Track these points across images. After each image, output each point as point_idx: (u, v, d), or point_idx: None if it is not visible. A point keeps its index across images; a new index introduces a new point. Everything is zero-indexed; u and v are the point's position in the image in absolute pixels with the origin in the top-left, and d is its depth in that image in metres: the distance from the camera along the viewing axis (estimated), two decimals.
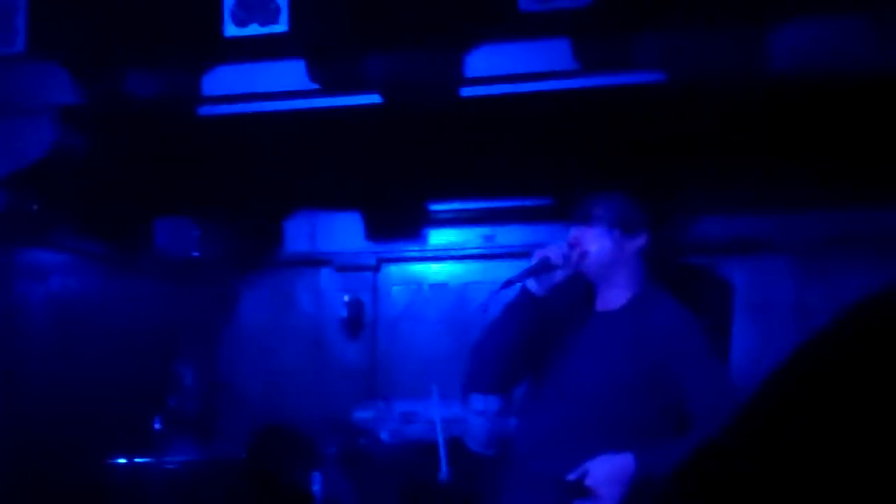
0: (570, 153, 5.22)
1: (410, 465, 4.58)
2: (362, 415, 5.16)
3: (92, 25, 4.93)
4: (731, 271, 4.56)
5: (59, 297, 5.67)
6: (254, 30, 4.80)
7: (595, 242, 3.52)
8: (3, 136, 5.21)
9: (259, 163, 5.63)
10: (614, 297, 3.57)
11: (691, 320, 3.46)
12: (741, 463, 1.07)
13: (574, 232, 3.54)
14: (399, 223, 6.21)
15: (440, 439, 3.91)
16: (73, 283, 5.80)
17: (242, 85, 5.12)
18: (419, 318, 6.21)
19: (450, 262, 6.23)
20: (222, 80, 5.13)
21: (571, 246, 3.51)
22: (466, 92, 4.92)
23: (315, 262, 6.40)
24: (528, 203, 5.92)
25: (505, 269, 4.52)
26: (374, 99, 5.04)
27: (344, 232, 6.32)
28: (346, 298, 6.25)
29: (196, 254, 6.22)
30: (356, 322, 6.25)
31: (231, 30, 4.82)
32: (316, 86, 5.03)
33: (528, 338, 3.51)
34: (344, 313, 6.25)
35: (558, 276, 3.47)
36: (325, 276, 6.39)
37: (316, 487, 4.82)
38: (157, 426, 5.78)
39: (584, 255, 3.51)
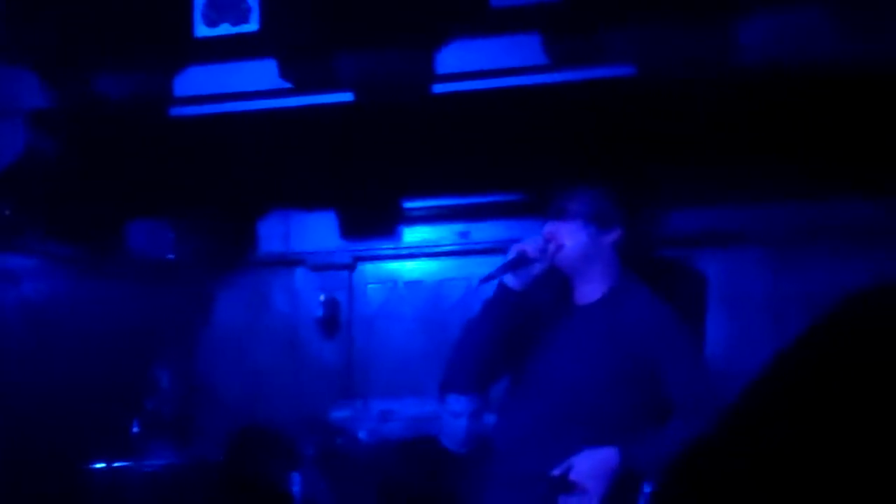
0: (543, 148, 5.23)
1: (389, 464, 4.57)
2: (340, 414, 5.16)
3: (61, 28, 4.90)
4: (705, 264, 4.58)
5: (33, 301, 5.64)
6: (225, 30, 4.79)
7: (570, 237, 3.52)
8: None
9: (232, 163, 5.61)
10: (591, 290, 3.58)
11: (668, 311, 3.48)
12: (733, 462, 1.07)
13: (549, 227, 3.55)
14: (373, 221, 6.19)
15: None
16: (47, 287, 5.77)
17: (214, 85, 5.11)
18: (395, 316, 6.20)
19: (425, 260, 6.21)
20: (194, 81, 5.11)
21: (547, 240, 3.51)
22: (439, 89, 4.92)
23: (290, 261, 6.38)
24: (502, 199, 5.92)
25: (480, 266, 4.53)
26: (347, 97, 5.04)
27: (318, 231, 6.30)
28: (321, 297, 6.24)
29: (171, 256, 6.19)
30: (332, 321, 6.24)
31: (202, 30, 4.80)
32: (288, 85, 5.02)
33: (508, 333, 3.52)
34: (320, 312, 6.23)
35: (535, 269, 3.48)
36: (301, 275, 6.37)
37: (295, 488, 4.81)
38: (134, 429, 5.76)
39: (559, 248, 3.51)
